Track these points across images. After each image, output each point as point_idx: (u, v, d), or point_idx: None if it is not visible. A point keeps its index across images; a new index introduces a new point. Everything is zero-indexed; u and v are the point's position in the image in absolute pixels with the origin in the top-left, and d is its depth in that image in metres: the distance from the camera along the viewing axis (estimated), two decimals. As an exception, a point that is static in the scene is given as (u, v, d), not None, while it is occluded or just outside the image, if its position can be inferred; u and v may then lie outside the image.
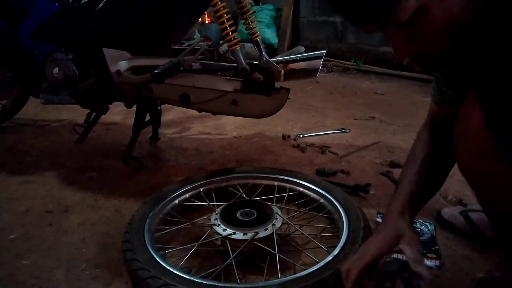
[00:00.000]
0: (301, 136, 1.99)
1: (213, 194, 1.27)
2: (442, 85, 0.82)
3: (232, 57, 1.32)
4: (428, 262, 0.99)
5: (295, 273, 0.91)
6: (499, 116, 0.52)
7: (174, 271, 0.87)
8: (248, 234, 0.99)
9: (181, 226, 1.14)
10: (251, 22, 1.42)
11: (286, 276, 0.88)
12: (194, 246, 1.03)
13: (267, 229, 1.01)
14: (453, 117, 0.66)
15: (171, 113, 2.32)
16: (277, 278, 0.91)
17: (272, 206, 1.11)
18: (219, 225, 1.03)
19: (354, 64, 3.86)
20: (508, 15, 0.50)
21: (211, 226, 1.06)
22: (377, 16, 0.54)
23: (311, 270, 0.86)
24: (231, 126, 2.15)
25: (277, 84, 1.30)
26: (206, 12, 3.84)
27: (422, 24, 0.52)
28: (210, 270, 0.95)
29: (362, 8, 0.54)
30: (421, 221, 1.14)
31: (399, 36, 0.55)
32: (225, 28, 1.28)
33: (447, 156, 0.84)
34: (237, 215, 1.08)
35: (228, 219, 1.05)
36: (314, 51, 1.26)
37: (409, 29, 0.53)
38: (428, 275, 0.66)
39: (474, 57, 0.54)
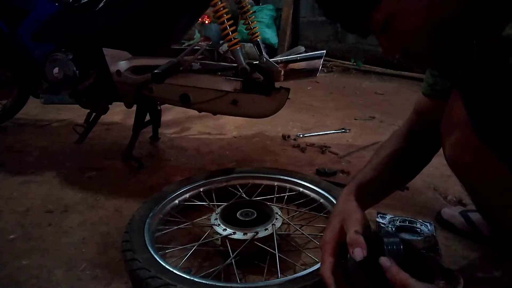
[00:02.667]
0: (301, 136, 1.99)
1: (213, 194, 1.27)
2: (435, 76, 0.83)
3: (232, 57, 1.32)
4: (428, 262, 0.99)
5: (295, 273, 0.91)
6: (481, 110, 0.53)
7: (174, 271, 0.86)
8: (248, 234, 0.99)
9: (181, 226, 1.14)
10: (251, 22, 1.42)
11: (286, 276, 0.88)
12: (194, 246, 1.03)
13: (267, 229, 1.01)
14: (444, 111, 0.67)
15: (171, 113, 2.32)
16: (277, 278, 0.91)
17: (272, 206, 1.11)
18: (219, 225, 1.03)
19: (354, 64, 3.86)
20: (495, 14, 0.50)
21: (211, 226, 1.06)
22: (356, 26, 0.61)
23: (311, 270, 0.86)
24: (231, 126, 2.15)
25: (277, 84, 1.30)
26: (206, 12, 3.83)
27: (397, 29, 0.56)
28: (210, 270, 0.95)
29: (343, 18, 0.62)
30: (421, 221, 1.14)
31: (382, 38, 0.60)
32: (225, 28, 1.28)
33: (421, 156, 0.87)
34: (237, 215, 1.08)
35: (228, 219, 1.05)
36: (314, 51, 1.26)
37: (387, 32, 0.58)
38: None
39: (464, 54, 0.56)
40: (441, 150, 0.71)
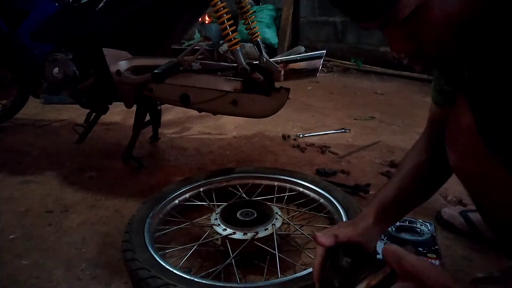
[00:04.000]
0: (301, 136, 1.99)
1: (213, 194, 1.27)
2: (443, 84, 0.81)
3: (232, 57, 1.32)
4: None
5: (295, 273, 0.91)
6: (488, 117, 0.52)
7: (174, 271, 0.86)
8: (248, 234, 0.99)
9: (181, 226, 1.14)
10: (251, 22, 1.42)
11: (286, 276, 0.88)
12: (194, 246, 1.03)
13: (267, 229, 1.01)
14: None
15: (171, 113, 2.32)
16: (277, 278, 0.91)
17: (272, 206, 1.11)
18: (219, 225, 1.03)
19: (354, 64, 3.86)
20: (508, 17, 0.50)
21: (211, 226, 1.06)
22: (377, 13, 0.53)
23: (311, 270, 0.86)
24: (231, 126, 2.15)
25: (277, 84, 1.30)
26: (206, 12, 3.83)
27: (421, 22, 0.52)
28: (210, 270, 0.95)
29: (362, 4, 0.54)
30: (421, 221, 1.14)
31: (397, 33, 0.55)
32: (225, 28, 1.28)
33: (443, 166, 0.81)
34: (237, 215, 1.08)
35: (228, 219, 1.05)
36: (314, 51, 1.26)
37: (407, 26, 0.53)
38: None
39: (472, 57, 0.54)
40: None
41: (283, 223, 1.08)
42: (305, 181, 1.28)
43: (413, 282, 0.49)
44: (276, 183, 1.31)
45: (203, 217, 1.20)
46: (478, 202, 0.68)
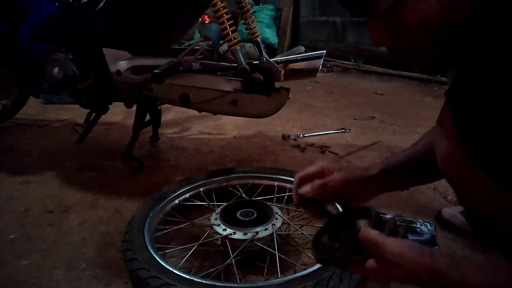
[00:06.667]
0: (301, 136, 1.99)
1: (213, 194, 1.27)
2: None
3: (232, 57, 1.32)
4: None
5: (295, 273, 0.91)
6: (466, 120, 0.53)
7: (174, 271, 0.87)
8: (248, 234, 0.99)
9: (181, 226, 1.14)
10: (251, 22, 1.42)
11: (286, 276, 0.88)
12: (194, 246, 1.03)
13: (267, 229, 1.01)
14: None
15: (171, 113, 2.32)
16: (277, 278, 0.91)
17: (272, 206, 1.11)
18: (219, 225, 1.03)
19: (354, 64, 3.86)
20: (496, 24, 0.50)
21: (211, 226, 1.06)
22: (357, 2, 0.55)
23: (311, 270, 0.86)
24: (231, 126, 2.15)
25: (277, 84, 1.30)
26: (206, 12, 3.84)
27: (398, 17, 0.53)
28: (210, 270, 0.96)
29: None
30: (421, 221, 1.14)
31: (378, 25, 0.56)
32: (225, 28, 1.28)
33: None
34: (237, 215, 1.08)
35: (228, 219, 1.05)
36: (314, 51, 1.26)
37: (388, 19, 0.55)
38: None
39: (450, 63, 0.56)
40: None
41: (283, 223, 1.08)
42: (305, 181, 1.28)
43: (395, 269, 0.51)
44: (276, 183, 1.31)
45: (203, 217, 1.20)
46: (465, 204, 0.68)
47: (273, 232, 1.01)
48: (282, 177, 1.31)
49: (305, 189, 0.73)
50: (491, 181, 0.50)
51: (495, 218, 0.57)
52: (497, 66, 0.48)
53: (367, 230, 0.56)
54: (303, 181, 0.75)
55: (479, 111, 0.51)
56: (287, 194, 1.27)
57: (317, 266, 0.88)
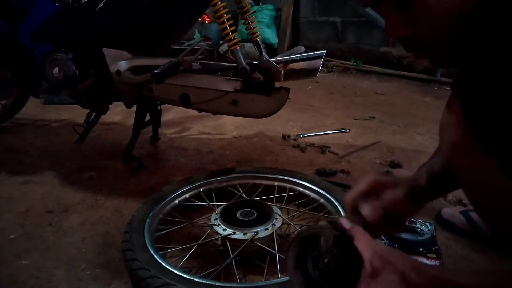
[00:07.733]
0: (301, 136, 1.99)
1: (213, 194, 1.27)
2: None
3: (232, 57, 1.32)
4: (428, 262, 0.99)
5: (295, 273, 0.91)
6: (476, 111, 0.52)
7: (174, 271, 0.86)
8: (248, 234, 0.99)
9: (181, 226, 1.14)
10: (251, 22, 1.42)
11: (286, 276, 0.88)
12: (194, 246, 1.03)
13: (267, 229, 1.01)
14: None
15: (171, 113, 2.32)
16: (277, 278, 0.91)
17: (272, 206, 1.11)
18: (219, 225, 1.03)
19: (354, 64, 3.86)
20: (503, 16, 0.50)
21: (211, 226, 1.06)
22: None
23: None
24: (231, 126, 2.15)
25: (277, 84, 1.30)
26: (206, 12, 3.84)
27: (420, 5, 0.51)
28: (210, 270, 0.95)
29: None
30: (421, 221, 1.14)
31: (395, 15, 0.54)
32: (225, 28, 1.28)
33: None
34: (237, 215, 1.08)
35: (228, 219, 1.05)
36: (314, 51, 1.26)
37: (406, 9, 0.53)
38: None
39: (464, 53, 0.54)
40: None
41: (283, 223, 1.08)
42: (305, 181, 1.28)
43: (387, 271, 0.51)
44: (276, 183, 1.31)
45: (203, 217, 1.20)
46: (470, 196, 0.68)
47: (273, 232, 1.01)
48: (282, 177, 1.31)
49: (366, 213, 0.69)
50: (498, 171, 0.50)
51: (500, 210, 0.57)
52: (508, 56, 0.47)
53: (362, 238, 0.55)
54: (355, 202, 0.72)
55: (488, 100, 0.50)
56: (287, 194, 1.27)
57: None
